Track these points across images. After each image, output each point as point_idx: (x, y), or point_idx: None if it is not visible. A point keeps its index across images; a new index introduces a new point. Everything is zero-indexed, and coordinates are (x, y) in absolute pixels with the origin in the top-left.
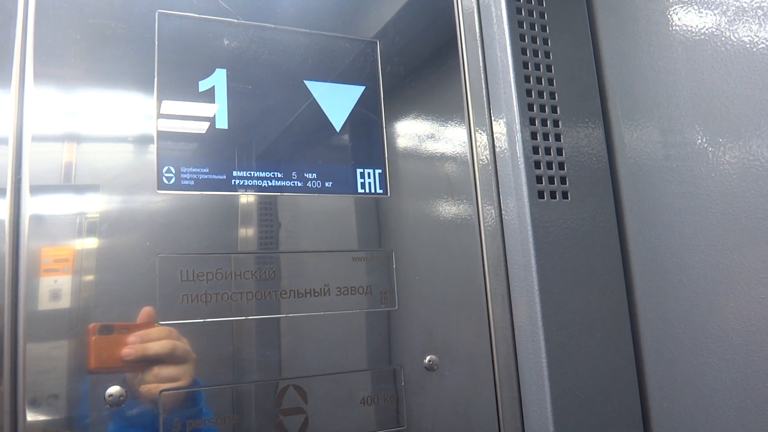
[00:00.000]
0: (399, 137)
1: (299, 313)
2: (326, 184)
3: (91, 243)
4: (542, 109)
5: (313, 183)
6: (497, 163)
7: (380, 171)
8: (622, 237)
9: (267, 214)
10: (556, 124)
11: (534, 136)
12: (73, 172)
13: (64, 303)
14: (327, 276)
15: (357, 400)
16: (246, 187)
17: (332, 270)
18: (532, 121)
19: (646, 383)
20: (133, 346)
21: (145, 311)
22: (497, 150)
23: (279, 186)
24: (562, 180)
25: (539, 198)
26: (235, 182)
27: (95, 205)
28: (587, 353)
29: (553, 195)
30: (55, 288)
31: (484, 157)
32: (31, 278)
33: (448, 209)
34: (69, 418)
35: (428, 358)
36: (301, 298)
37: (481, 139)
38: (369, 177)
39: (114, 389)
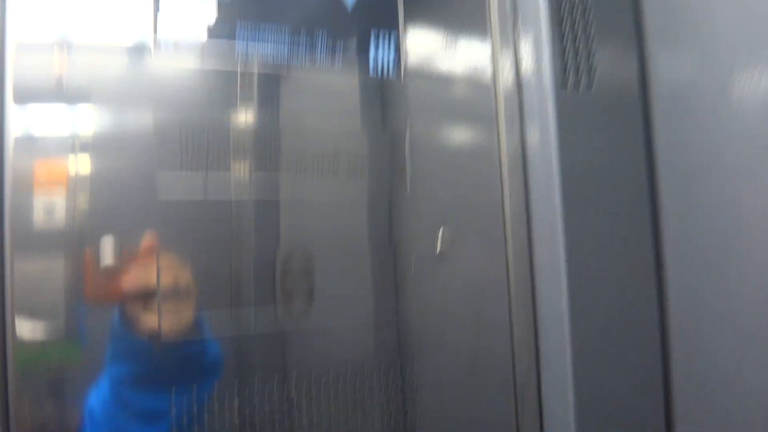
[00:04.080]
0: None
1: (305, 194)
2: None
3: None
4: (573, 26)
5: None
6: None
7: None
8: (650, 166)
9: (271, 89)
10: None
11: (563, 54)
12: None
13: (59, 220)
14: (334, 154)
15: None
16: (250, 56)
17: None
18: (562, 38)
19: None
20: (134, 276)
21: (147, 240)
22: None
23: (285, 56)
24: None
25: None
26: (239, 49)
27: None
28: (609, 280)
29: None
30: (48, 205)
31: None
32: (22, 194)
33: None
34: (64, 341)
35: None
36: (308, 179)
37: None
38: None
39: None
